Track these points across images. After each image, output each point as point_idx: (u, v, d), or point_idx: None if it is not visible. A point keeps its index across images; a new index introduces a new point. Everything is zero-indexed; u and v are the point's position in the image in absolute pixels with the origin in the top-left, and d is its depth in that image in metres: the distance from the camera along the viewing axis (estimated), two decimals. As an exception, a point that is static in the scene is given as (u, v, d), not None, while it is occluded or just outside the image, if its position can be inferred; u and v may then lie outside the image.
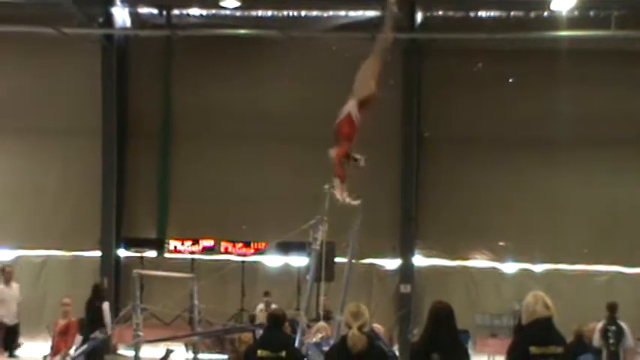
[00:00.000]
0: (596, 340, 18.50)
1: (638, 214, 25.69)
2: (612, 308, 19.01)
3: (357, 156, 12.08)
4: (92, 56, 27.35)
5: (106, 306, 19.40)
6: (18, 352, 20.09)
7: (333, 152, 12.12)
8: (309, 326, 12.86)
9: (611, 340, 18.46)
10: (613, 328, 18.59)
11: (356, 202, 12.09)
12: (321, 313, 15.10)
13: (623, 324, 18.77)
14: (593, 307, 20.77)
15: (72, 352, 17.28)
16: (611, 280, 25.89)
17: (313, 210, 12.54)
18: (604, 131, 25.83)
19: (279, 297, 24.30)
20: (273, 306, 24.15)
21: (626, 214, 25.75)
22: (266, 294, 24.23)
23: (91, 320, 19.22)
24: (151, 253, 27.33)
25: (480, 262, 26.87)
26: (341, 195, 11.93)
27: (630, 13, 24.66)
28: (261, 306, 23.82)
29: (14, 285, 19.26)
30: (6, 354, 19.60)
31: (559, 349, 9.30)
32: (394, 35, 12.52)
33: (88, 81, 27.37)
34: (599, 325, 18.70)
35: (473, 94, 26.47)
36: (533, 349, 8.98)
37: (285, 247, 25.26)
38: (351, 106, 12.18)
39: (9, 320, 19.00)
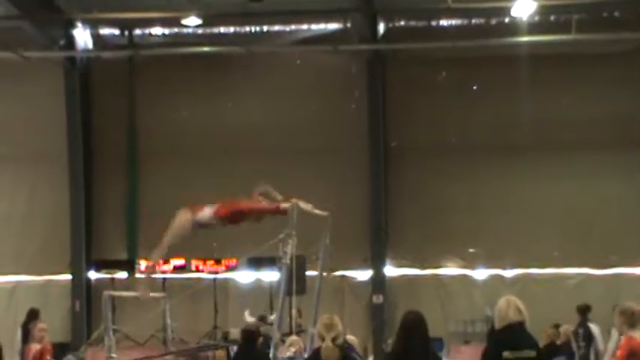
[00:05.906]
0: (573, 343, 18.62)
1: (605, 215, 25.82)
2: (582, 311, 19.09)
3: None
4: (55, 79, 27.21)
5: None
6: None
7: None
8: (282, 341, 12.84)
9: (582, 343, 18.54)
10: (581, 330, 18.67)
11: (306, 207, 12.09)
12: (294, 325, 15.08)
13: (593, 326, 18.83)
14: (565, 310, 20.84)
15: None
16: (581, 283, 25.93)
17: (282, 224, 12.54)
18: (569, 135, 25.92)
19: (253, 313, 24.20)
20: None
21: (593, 216, 25.84)
22: (261, 319, 22.87)
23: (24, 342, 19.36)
24: (122, 274, 27.20)
25: (450, 269, 26.91)
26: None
27: (590, 16, 24.82)
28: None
29: None
30: None
31: (532, 353, 9.36)
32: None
33: (52, 104, 27.21)
34: (572, 328, 18.80)
35: (438, 102, 26.54)
36: (506, 354, 9.04)
37: (256, 263, 25.20)
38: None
39: None
